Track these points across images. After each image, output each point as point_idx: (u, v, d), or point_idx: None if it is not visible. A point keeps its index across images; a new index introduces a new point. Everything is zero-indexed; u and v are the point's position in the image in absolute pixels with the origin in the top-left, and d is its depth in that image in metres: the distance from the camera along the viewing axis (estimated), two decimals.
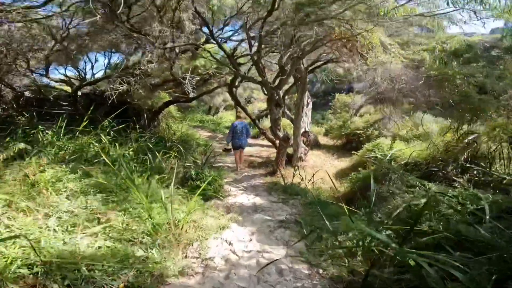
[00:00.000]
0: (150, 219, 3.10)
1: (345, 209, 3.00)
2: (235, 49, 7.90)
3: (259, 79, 6.29)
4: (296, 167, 7.78)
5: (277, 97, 6.40)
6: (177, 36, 5.88)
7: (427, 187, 3.52)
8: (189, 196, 4.70)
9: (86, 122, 6.56)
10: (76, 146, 6.17)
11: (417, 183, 3.85)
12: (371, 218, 3.05)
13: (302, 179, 6.08)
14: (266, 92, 6.37)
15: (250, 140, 12.70)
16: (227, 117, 19.59)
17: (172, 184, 5.11)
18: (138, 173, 4.94)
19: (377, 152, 6.77)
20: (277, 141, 6.92)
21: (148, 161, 6.46)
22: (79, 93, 7.69)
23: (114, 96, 6.96)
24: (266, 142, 12.20)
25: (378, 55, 4.40)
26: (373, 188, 2.88)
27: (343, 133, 9.72)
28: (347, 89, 17.50)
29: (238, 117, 8.62)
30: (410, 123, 9.50)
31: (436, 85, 4.72)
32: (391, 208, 3.56)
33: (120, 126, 8.67)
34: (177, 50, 6.38)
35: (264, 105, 21.84)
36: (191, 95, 10.15)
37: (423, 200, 2.96)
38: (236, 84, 8.90)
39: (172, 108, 15.66)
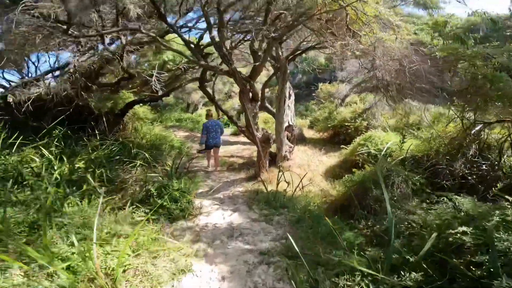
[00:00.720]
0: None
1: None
2: (200, 37, 6.86)
3: (225, 68, 5.32)
4: (280, 168, 6.96)
5: (251, 90, 5.47)
6: (123, 25, 4.78)
7: (457, 202, 2.71)
8: (146, 220, 3.76)
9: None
10: (9, 164, 5.03)
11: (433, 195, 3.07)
12: (390, 257, 2.23)
13: (288, 184, 5.23)
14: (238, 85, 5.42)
15: (230, 138, 11.81)
16: None
17: (128, 206, 4.20)
18: (76, 196, 3.90)
19: (370, 146, 6.02)
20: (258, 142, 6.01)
21: (105, 174, 5.45)
22: (11, 99, 6.40)
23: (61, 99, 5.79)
24: (245, 140, 11.32)
25: (375, 31, 3.57)
26: (390, 218, 2.04)
27: (329, 125, 8.97)
28: (330, 78, 16.82)
29: (209, 116, 7.52)
30: (399, 111, 8.86)
31: (445, 67, 3.97)
32: (411, 233, 2.75)
33: (76, 134, 7.55)
34: (123, 41, 5.26)
35: None
36: (160, 93, 9.06)
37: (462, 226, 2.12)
38: (209, 78, 7.87)
39: (143, 109, 14.41)
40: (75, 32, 4.46)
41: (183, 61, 10.23)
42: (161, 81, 8.34)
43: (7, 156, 5.56)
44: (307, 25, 4.68)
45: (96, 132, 7.44)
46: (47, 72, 6.37)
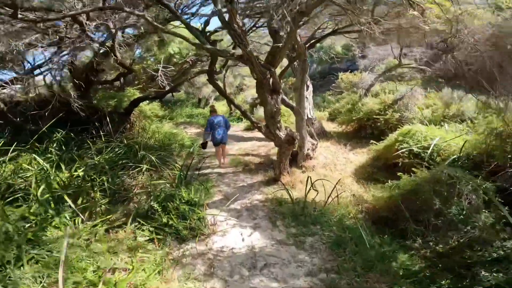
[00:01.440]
0: None
1: None
2: (206, 23, 6.03)
3: (238, 52, 4.48)
4: (303, 169, 6.17)
5: (271, 79, 4.62)
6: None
7: None
8: (149, 240, 3.08)
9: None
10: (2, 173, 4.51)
11: None
12: None
13: (316, 190, 4.44)
14: (255, 75, 4.57)
15: (244, 133, 11.05)
16: (219, 108, 17.73)
17: (129, 223, 3.52)
18: (65, 214, 3.27)
19: (411, 143, 5.11)
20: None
21: (107, 182, 4.85)
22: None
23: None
24: (261, 135, 10.53)
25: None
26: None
27: (354, 118, 8.02)
28: (347, 68, 15.63)
29: (212, 111, 6.77)
30: (435, 101, 7.80)
31: None
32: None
33: (79, 136, 7.01)
34: (112, 29, 4.54)
35: None
36: (167, 89, 8.40)
37: None
38: (219, 70, 7.09)
39: (153, 106, 13.86)
40: (30, 16, 3.71)
41: (190, 53, 9.50)
42: (168, 76, 7.66)
43: (3, 165, 5.07)
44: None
45: (101, 133, 6.90)
46: (28, 71, 5.72)
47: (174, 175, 5.75)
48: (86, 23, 4.13)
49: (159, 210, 3.64)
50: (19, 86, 5.06)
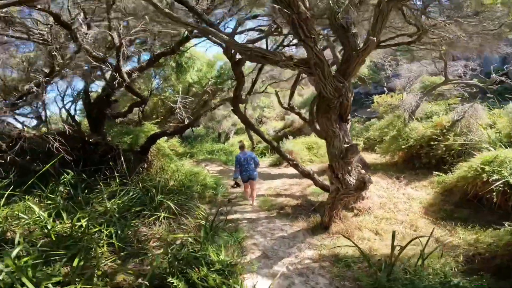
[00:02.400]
0: None
1: None
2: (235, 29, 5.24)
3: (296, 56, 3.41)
4: (354, 211, 4.94)
5: (342, 100, 3.55)
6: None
7: None
8: None
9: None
10: None
11: None
12: None
13: (392, 248, 3.19)
14: (317, 88, 3.39)
15: (270, 170, 10.00)
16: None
17: None
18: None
19: (505, 173, 3.85)
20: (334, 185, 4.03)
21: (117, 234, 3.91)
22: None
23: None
24: (291, 169, 9.41)
25: None
26: None
27: (403, 146, 6.83)
28: (375, 90, 14.68)
29: (242, 147, 5.93)
30: (501, 118, 6.53)
31: None
32: None
33: (92, 178, 6.28)
34: (116, 42, 3.89)
35: (279, 124, 19.17)
36: (187, 121, 7.70)
37: None
38: (243, 97, 6.34)
39: (172, 142, 13.33)
40: None
41: (209, 82, 8.98)
42: (187, 108, 6.98)
43: None
44: None
45: (116, 174, 6.12)
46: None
47: (196, 223, 4.72)
48: (83, 33, 3.48)
49: (178, 286, 2.53)
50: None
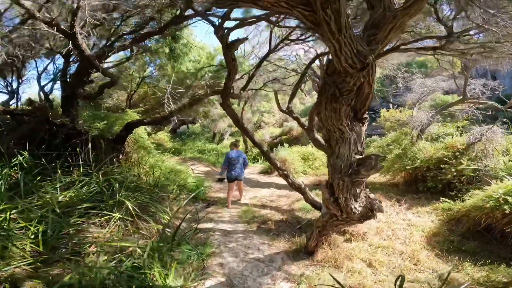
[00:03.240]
0: None
1: None
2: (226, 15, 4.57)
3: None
4: (346, 235, 4.18)
5: (361, 77, 2.39)
6: None
7: None
8: None
9: None
10: None
11: None
12: None
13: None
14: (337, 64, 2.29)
15: (259, 177, 9.22)
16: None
17: None
18: None
19: None
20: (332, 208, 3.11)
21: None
22: None
23: None
24: (282, 180, 8.66)
25: None
26: None
27: (408, 167, 6.10)
28: (380, 104, 14.01)
29: (235, 146, 5.35)
30: None
31: None
32: None
33: (53, 163, 5.54)
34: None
35: (277, 130, 18.42)
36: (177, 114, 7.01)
37: None
38: (239, 91, 5.65)
39: (159, 135, 12.59)
40: None
41: (206, 74, 8.28)
42: (176, 100, 6.33)
43: None
44: None
45: (81, 162, 5.37)
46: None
47: (159, 231, 3.97)
48: None
49: None
50: None
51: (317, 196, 5.45)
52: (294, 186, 4.91)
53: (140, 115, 6.85)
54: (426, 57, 12.74)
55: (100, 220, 3.94)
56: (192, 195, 5.54)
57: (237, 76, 8.96)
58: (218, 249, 3.94)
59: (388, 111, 8.06)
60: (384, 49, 4.87)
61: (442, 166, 5.51)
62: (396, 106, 9.29)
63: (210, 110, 12.28)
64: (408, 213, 5.26)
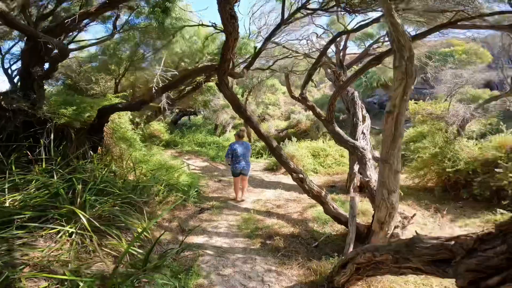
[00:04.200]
0: None
1: None
2: None
3: None
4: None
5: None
6: None
7: None
8: None
9: None
10: None
11: None
12: None
13: None
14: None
15: (264, 175, 8.04)
16: (232, 136, 15.22)
17: None
18: None
19: None
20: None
21: None
22: None
23: None
24: (291, 180, 7.56)
25: None
26: None
27: (448, 169, 4.95)
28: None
29: (239, 136, 4.60)
30: None
31: None
32: None
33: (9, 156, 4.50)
34: None
35: (283, 123, 17.22)
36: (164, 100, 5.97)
37: None
38: (242, 70, 4.52)
39: (154, 126, 11.53)
40: None
41: (205, 59, 7.11)
42: (166, 81, 5.28)
43: None
44: None
45: (44, 155, 4.32)
46: None
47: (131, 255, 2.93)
48: None
49: None
50: None
51: (339, 205, 4.33)
52: (312, 194, 3.81)
53: (120, 98, 5.73)
54: (452, 48, 11.43)
55: (49, 234, 2.91)
56: (177, 202, 4.47)
57: (240, 60, 7.82)
58: (208, 280, 2.88)
59: (417, 103, 6.85)
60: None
61: (497, 170, 4.35)
62: (428, 97, 8.05)
63: (210, 99, 11.15)
64: (454, 227, 4.15)
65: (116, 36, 6.60)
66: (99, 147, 5.37)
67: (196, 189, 5.59)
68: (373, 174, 4.29)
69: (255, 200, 5.52)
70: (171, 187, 5.21)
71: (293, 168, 3.80)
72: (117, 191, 3.87)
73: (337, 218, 3.72)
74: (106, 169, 4.53)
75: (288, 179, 7.34)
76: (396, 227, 3.19)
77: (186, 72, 3.99)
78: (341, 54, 7.14)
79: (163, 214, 4.03)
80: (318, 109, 5.06)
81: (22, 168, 4.29)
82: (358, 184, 5.68)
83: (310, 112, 13.17)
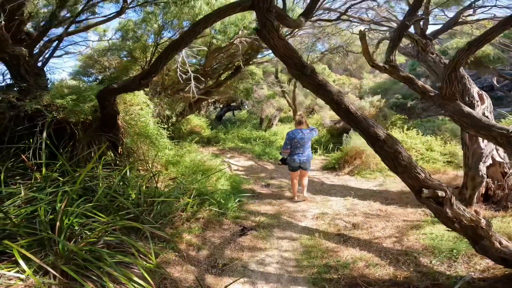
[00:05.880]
0: None
1: None
2: None
3: None
4: None
5: None
6: None
7: None
8: None
9: None
10: None
11: None
12: None
13: None
14: None
15: (323, 176, 6.01)
16: (284, 131, 13.50)
17: None
18: None
19: None
20: None
21: None
22: None
23: None
24: (359, 180, 5.68)
25: None
26: None
27: None
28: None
29: (300, 123, 4.28)
30: None
31: None
32: None
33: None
34: None
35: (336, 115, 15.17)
36: (194, 88, 4.74)
37: None
38: (295, 17, 2.87)
39: (195, 122, 10.62)
40: None
41: (241, 33, 5.63)
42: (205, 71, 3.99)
43: None
44: None
45: (44, 160, 3.40)
46: None
47: None
48: None
49: None
50: None
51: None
52: (458, 225, 1.99)
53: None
54: None
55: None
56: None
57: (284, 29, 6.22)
58: None
59: None
60: None
61: None
62: None
63: (252, 88, 9.78)
64: None
65: (134, 16, 5.61)
66: (119, 147, 4.36)
67: (237, 199, 4.22)
68: None
69: (318, 214, 3.92)
70: (203, 198, 3.90)
71: (424, 179, 2.01)
72: (129, 206, 2.67)
73: (504, 259, 1.90)
74: (118, 176, 3.43)
75: (357, 182, 5.54)
76: None
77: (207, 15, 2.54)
78: (422, 22, 5.07)
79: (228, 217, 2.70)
80: (419, 81, 3.16)
81: (22, 176, 3.47)
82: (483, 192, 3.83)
83: (375, 98, 10.90)
